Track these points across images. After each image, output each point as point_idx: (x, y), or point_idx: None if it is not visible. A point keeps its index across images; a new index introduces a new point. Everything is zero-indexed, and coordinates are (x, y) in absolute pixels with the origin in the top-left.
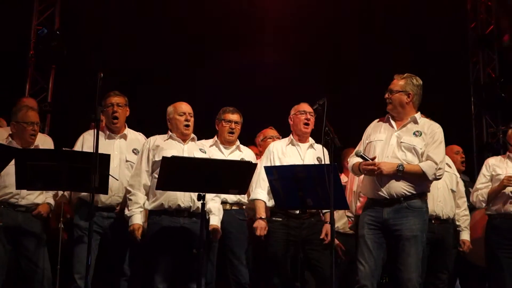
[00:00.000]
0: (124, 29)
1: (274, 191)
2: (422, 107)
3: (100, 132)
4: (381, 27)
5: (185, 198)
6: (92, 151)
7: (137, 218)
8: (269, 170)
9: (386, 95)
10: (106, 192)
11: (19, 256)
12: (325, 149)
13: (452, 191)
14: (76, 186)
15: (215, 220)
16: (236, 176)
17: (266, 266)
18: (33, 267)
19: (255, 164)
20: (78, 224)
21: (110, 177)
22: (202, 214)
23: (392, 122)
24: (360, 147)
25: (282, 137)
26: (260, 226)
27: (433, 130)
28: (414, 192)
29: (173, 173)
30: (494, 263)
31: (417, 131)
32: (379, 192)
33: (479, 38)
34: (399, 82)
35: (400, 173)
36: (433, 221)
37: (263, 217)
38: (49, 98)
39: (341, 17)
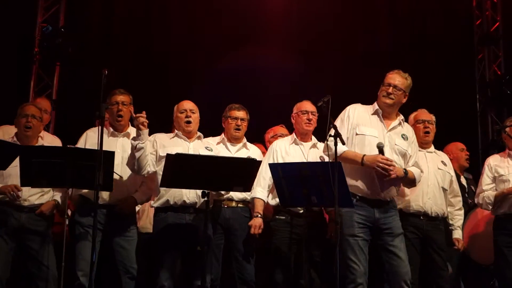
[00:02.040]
0: (131, 26)
1: (278, 189)
2: (427, 105)
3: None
4: (385, 26)
5: (190, 195)
6: (95, 148)
7: None
8: (274, 167)
9: (390, 90)
10: (111, 189)
11: (25, 256)
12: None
13: (444, 189)
14: (80, 184)
15: None
16: (240, 173)
17: (269, 264)
18: (38, 266)
19: (259, 162)
20: (79, 221)
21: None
22: (206, 211)
23: (382, 118)
24: (342, 129)
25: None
26: (255, 224)
27: (413, 135)
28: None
29: (177, 170)
30: (502, 261)
31: (404, 135)
32: (377, 196)
33: (485, 35)
34: (406, 81)
35: (403, 179)
36: (421, 217)
37: (259, 215)
38: (54, 96)
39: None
